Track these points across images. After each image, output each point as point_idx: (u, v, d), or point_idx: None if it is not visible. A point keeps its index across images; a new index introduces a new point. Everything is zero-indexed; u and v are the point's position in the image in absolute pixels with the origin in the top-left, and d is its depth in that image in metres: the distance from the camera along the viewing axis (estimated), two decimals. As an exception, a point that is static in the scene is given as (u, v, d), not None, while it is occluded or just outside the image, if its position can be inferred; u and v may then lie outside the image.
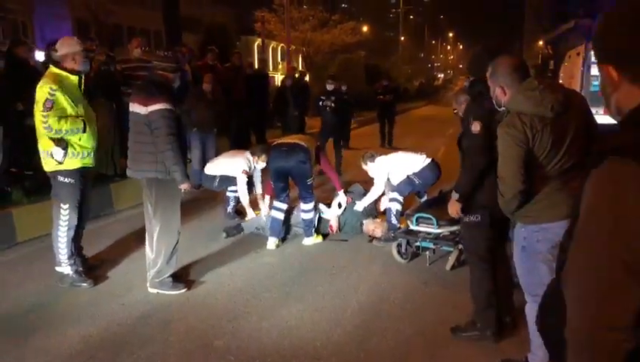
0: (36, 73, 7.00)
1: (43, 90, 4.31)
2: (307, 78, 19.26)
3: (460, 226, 4.11)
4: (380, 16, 52.71)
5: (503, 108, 2.88)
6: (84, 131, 4.44)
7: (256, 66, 19.46)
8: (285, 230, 6.12)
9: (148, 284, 4.59)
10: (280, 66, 41.30)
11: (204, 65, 10.01)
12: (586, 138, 2.74)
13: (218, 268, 5.17)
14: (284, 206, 5.96)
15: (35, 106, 4.39)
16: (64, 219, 4.61)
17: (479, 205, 3.60)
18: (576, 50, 17.64)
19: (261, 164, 6.43)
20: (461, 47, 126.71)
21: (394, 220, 5.98)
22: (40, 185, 6.76)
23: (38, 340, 3.76)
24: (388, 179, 6.31)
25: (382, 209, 6.41)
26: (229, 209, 6.83)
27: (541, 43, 58.94)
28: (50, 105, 4.28)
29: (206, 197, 7.56)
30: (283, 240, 6.01)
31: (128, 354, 3.57)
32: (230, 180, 6.52)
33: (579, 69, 15.75)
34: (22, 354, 3.58)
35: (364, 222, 6.28)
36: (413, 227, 5.27)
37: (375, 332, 3.87)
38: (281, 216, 5.92)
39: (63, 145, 4.41)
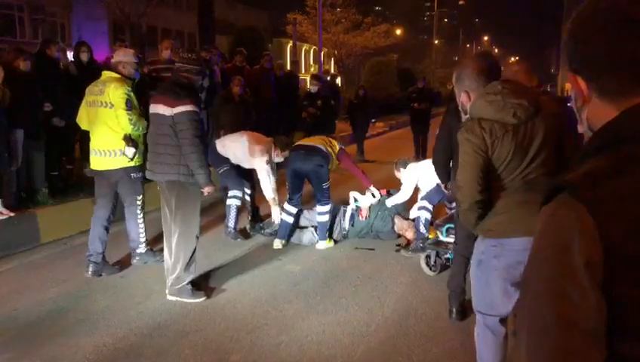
0: (66, 73, 7.03)
1: (120, 92, 4.68)
2: (339, 81, 19.10)
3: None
4: (414, 20, 52.24)
5: (468, 115, 2.62)
6: (146, 129, 4.67)
7: (288, 68, 19.39)
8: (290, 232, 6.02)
9: (167, 291, 4.47)
10: (312, 69, 41.25)
11: (233, 67, 9.92)
12: (558, 148, 2.47)
13: (239, 275, 5.03)
14: (295, 210, 5.92)
15: (104, 107, 4.74)
16: (139, 208, 5.10)
17: None
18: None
19: (280, 158, 6.16)
20: (496, 50, 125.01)
21: (422, 229, 5.74)
22: (66, 187, 6.79)
23: (51, 349, 3.66)
24: (417, 187, 6.09)
25: (411, 217, 6.17)
26: (231, 224, 6.16)
27: (579, 46, 57.88)
28: (131, 104, 4.68)
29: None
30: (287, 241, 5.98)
31: (141, 366, 3.44)
32: (237, 179, 6.20)
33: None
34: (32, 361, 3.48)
35: (395, 220, 6.12)
36: (442, 238, 5.04)
37: (401, 351, 3.65)
38: (290, 219, 5.91)
39: (135, 145, 4.77)
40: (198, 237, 4.49)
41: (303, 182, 5.97)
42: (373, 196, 6.27)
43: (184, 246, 4.39)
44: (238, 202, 6.19)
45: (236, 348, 3.66)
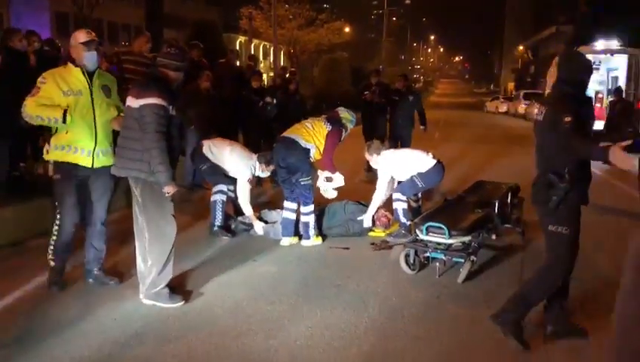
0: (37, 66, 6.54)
1: (38, 79, 4.18)
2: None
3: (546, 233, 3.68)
4: (362, 18, 52.57)
5: None
6: (63, 122, 4.07)
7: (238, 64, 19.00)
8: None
9: (141, 296, 4.22)
10: (262, 65, 40.87)
11: (190, 61, 9.57)
12: None
13: (215, 278, 4.82)
14: (294, 205, 5.85)
15: None
16: (57, 222, 4.37)
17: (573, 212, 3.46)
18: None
19: (265, 173, 6.16)
20: (442, 49, 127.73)
21: (403, 219, 5.91)
22: (21, 187, 6.40)
23: (19, 360, 3.38)
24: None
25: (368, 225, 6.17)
26: (217, 222, 6.02)
27: (521, 48, 59.75)
28: (36, 92, 4.11)
29: (198, 198, 7.21)
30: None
31: (124, 378, 3.22)
32: (220, 176, 6.05)
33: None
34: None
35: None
36: (422, 237, 5.00)
37: (393, 353, 3.57)
38: (292, 215, 5.85)
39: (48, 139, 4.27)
40: (171, 238, 4.24)
41: (291, 176, 5.84)
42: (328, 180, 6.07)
43: (157, 248, 4.16)
44: (223, 197, 6.04)
45: (224, 356, 3.49)
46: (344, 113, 6.11)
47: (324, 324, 3.97)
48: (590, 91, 15.43)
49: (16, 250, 5.48)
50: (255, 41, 38.44)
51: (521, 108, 30.93)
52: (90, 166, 4.30)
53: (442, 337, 3.82)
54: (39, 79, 4.14)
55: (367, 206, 6.19)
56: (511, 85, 59.06)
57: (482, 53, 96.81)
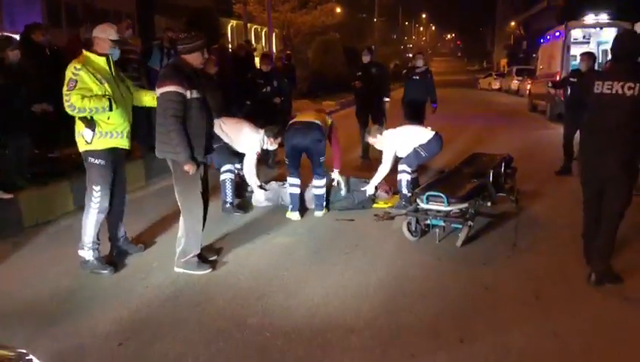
0: (57, 58, 6.86)
1: (69, 70, 4.36)
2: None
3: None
4: (353, -2, 52.38)
5: None
6: (110, 109, 4.37)
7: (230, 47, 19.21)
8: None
9: (175, 264, 4.65)
10: (255, 48, 40.89)
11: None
12: None
13: (233, 249, 5.22)
14: (298, 180, 6.27)
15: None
16: (95, 201, 4.60)
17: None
18: (554, 30, 17.98)
19: (273, 146, 6.59)
20: (433, 28, 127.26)
21: (405, 190, 6.32)
22: (45, 172, 6.75)
23: (68, 325, 3.77)
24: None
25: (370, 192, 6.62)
26: (228, 199, 6.42)
27: (513, 24, 59.73)
28: (74, 84, 4.30)
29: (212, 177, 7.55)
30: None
31: (164, 334, 3.62)
32: (229, 156, 6.45)
33: (559, 49, 16.10)
34: (56, 337, 3.59)
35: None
36: (423, 205, 5.39)
37: (403, 307, 3.98)
38: (297, 190, 6.27)
39: (92, 127, 4.43)
40: (199, 212, 4.63)
41: (301, 157, 6.31)
42: (338, 184, 6.62)
43: (188, 221, 4.60)
44: (231, 176, 6.43)
45: (250, 313, 3.89)
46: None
47: (337, 285, 4.37)
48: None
49: (44, 229, 5.85)
50: (248, 25, 38.50)
51: (514, 84, 31.18)
52: (127, 147, 4.71)
53: (445, 293, 4.24)
54: (71, 69, 4.34)
55: (367, 181, 6.63)
56: (503, 61, 59.11)
57: (474, 30, 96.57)
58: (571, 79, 8.35)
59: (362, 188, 6.55)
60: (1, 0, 29.48)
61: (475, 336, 3.56)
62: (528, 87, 22.07)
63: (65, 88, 4.32)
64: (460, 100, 24.66)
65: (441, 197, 5.24)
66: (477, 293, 4.22)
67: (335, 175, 6.60)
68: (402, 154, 6.48)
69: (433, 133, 6.51)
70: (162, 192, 7.13)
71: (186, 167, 4.40)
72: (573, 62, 16.02)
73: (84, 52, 4.54)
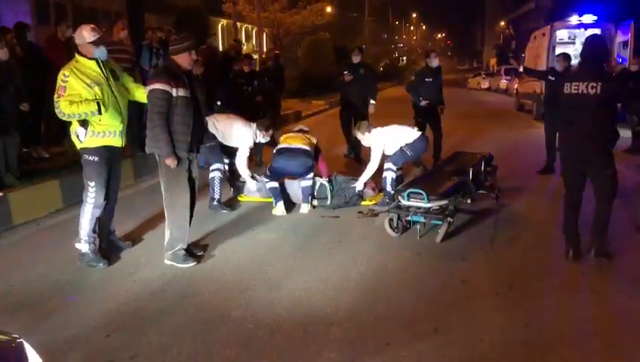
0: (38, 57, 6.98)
1: (59, 78, 4.52)
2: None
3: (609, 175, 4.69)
4: (344, -3, 52.58)
5: None
6: (99, 112, 4.48)
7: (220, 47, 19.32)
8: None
9: (164, 256, 4.85)
10: (244, 47, 40.96)
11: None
12: None
13: (220, 245, 5.36)
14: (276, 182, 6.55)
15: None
16: (91, 196, 4.74)
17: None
18: (541, 30, 18.21)
19: (265, 138, 6.81)
20: (424, 27, 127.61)
21: (389, 188, 6.50)
22: (34, 170, 6.86)
23: (59, 317, 3.90)
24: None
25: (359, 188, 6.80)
26: (216, 196, 6.56)
27: (503, 23, 60.22)
28: (63, 91, 4.45)
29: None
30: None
31: (150, 325, 3.75)
32: (219, 155, 6.64)
33: (544, 49, 16.34)
34: (47, 328, 3.72)
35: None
36: (404, 202, 5.55)
37: (381, 299, 4.14)
38: (275, 184, 6.50)
39: (85, 125, 4.58)
40: (185, 205, 4.81)
41: (283, 177, 6.67)
42: (323, 189, 6.83)
43: (171, 214, 4.79)
44: (220, 174, 6.60)
45: (234, 306, 4.04)
46: (305, 128, 7.14)
47: (319, 279, 4.52)
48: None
49: (33, 227, 5.96)
50: (238, 24, 38.59)
51: (503, 83, 31.51)
52: (120, 145, 4.86)
53: (423, 286, 4.40)
54: (61, 77, 4.48)
55: (355, 178, 6.80)
56: (493, 61, 59.56)
57: (465, 29, 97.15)
58: (550, 77, 8.55)
59: (352, 186, 6.72)
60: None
61: (448, 326, 3.72)
62: (515, 86, 22.34)
63: (55, 95, 4.48)
64: (449, 100, 24.52)
65: (422, 194, 5.40)
66: (453, 286, 4.38)
67: (323, 181, 6.81)
68: (389, 152, 6.66)
69: (419, 133, 6.71)
70: (151, 190, 7.21)
71: (167, 161, 4.60)
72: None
73: (77, 56, 4.65)
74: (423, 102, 8.97)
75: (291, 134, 6.87)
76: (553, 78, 8.22)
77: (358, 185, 6.72)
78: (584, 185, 4.87)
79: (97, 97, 4.52)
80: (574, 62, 18.51)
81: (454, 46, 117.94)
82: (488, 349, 3.45)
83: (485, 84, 37.27)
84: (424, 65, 9.46)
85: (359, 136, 6.98)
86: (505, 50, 53.44)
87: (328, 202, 6.65)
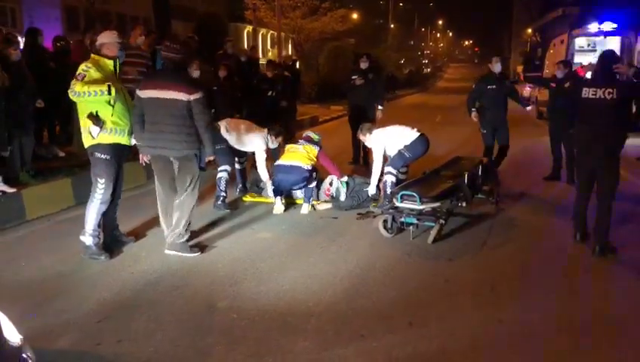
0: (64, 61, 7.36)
1: (80, 68, 4.80)
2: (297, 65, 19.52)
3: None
4: (371, 4, 52.81)
5: None
6: (109, 93, 4.72)
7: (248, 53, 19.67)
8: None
9: (166, 247, 5.18)
10: (270, 53, 41.42)
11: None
12: None
13: (218, 241, 5.59)
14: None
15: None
16: (99, 192, 4.99)
17: None
18: (560, 38, 18.12)
19: (275, 144, 7.09)
20: (451, 34, 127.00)
21: (388, 190, 6.60)
22: (46, 168, 7.19)
23: (58, 303, 4.16)
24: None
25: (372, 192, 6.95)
26: (221, 195, 6.76)
27: (530, 31, 59.54)
28: (82, 77, 4.73)
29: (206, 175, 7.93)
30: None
31: (140, 313, 3.98)
32: (229, 156, 6.91)
33: (562, 56, 16.25)
34: (44, 314, 3.97)
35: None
36: (398, 204, 5.69)
37: (362, 294, 4.30)
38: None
39: (99, 123, 4.82)
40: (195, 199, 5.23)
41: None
42: (338, 191, 7.08)
43: (187, 210, 5.13)
44: (227, 176, 6.85)
45: (222, 297, 4.25)
46: (312, 135, 7.26)
47: (307, 275, 4.70)
48: (587, 73, 15.81)
49: (45, 222, 6.27)
50: (263, 30, 39.06)
51: (526, 91, 31.11)
52: (129, 144, 5.12)
53: (406, 283, 4.55)
54: (82, 67, 4.80)
55: (368, 182, 7.00)
56: (519, 68, 58.95)
57: (492, 36, 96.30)
58: (552, 85, 8.57)
59: (365, 189, 6.92)
60: (20, 4, 30.35)
61: (424, 321, 3.87)
62: (536, 94, 22.18)
63: (73, 80, 4.73)
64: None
65: (414, 196, 5.53)
66: (436, 285, 4.52)
67: (335, 182, 7.05)
68: (390, 152, 6.81)
69: (419, 133, 6.80)
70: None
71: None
72: (579, 71, 16.27)
73: (93, 55, 4.97)
74: (474, 114, 8.49)
75: (293, 147, 7.03)
76: (555, 85, 8.28)
77: (371, 189, 6.88)
78: (595, 180, 5.31)
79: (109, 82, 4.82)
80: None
81: (482, 53, 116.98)
82: (458, 343, 3.58)
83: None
84: (486, 72, 8.85)
85: (361, 137, 7.18)
86: (532, 57, 52.87)
87: (342, 199, 6.89)
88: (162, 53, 5.02)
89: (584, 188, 5.46)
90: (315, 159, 6.86)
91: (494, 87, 8.34)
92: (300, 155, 6.83)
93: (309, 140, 7.12)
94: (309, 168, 6.68)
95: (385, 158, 6.85)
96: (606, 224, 5.13)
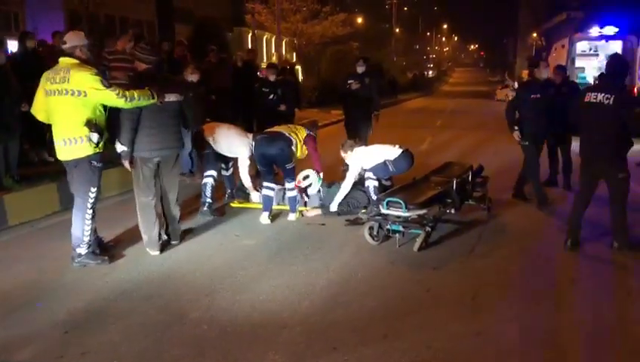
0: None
1: (88, 75, 4.62)
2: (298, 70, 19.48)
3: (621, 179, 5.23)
4: (375, 8, 52.80)
5: None
6: (153, 97, 4.86)
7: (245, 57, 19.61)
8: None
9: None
10: (274, 58, 41.41)
11: (177, 57, 10.22)
12: None
13: (199, 249, 5.49)
14: (272, 185, 6.56)
15: (70, 95, 4.63)
16: (90, 201, 4.93)
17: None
18: (561, 42, 17.96)
19: None
20: (456, 38, 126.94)
21: (373, 195, 6.50)
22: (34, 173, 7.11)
23: (25, 313, 4.07)
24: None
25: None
26: (207, 200, 6.60)
27: (535, 35, 59.33)
28: (106, 83, 4.67)
29: (190, 184, 7.84)
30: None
31: (109, 323, 3.88)
32: (216, 162, 6.78)
33: (564, 61, 16.09)
34: (8, 325, 3.87)
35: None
36: (384, 210, 5.57)
37: (340, 304, 4.18)
38: (271, 193, 6.55)
39: (98, 130, 4.72)
40: None
41: (271, 165, 6.66)
42: (311, 184, 6.92)
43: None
44: (213, 181, 6.71)
45: (195, 307, 4.14)
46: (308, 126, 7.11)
47: (286, 285, 4.59)
48: (590, 77, 15.62)
49: (26, 228, 6.18)
50: (266, 35, 39.08)
51: (529, 95, 31.05)
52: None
53: (386, 293, 4.43)
54: (92, 73, 4.65)
55: (360, 188, 6.82)
56: (525, 72, 58.69)
57: (497, 41, 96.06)
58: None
59: (328, 204, 6.69)
60: (24, 9, 30.45)
61: (399, 333, 3.74)
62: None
63: (102, 87, 4.60)
64: (473, 111, 24.76)
65: (400, 203, 5.41)
66: (416, 295, 4.39)
67: (312, 175, 6.85)
68: (370, 165, 6.58)
69: (401, 150, 6.59)
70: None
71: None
72: (581, 74, 16.08)
73: (76, 61, 4.75)
74: (515, 134, 7.13)
75: (278, 126, 6.88)
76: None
77: (332, 206, 6.63)
78: (596, 186, 5.42)
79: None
80: (597, 74, 18.20)
81: (487, 57, 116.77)
82: (432, 356, 3.46)
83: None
84: (528, 78, 7.97)
85: (342, 154, 6.86)
86: (537, 61, 52.61)
87: (310, 193, 6.84)
88: (138, 55, 4.97)
89: (583, 196, 5.49)
90: (301, 139, 6.62)
91: (538, 95, 7.06)
92: (284, 128, 6.72)
93: (302, 125, 7.01)
94: (291, 138, 6.48)
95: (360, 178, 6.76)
96: (621, 223, 5.30)
